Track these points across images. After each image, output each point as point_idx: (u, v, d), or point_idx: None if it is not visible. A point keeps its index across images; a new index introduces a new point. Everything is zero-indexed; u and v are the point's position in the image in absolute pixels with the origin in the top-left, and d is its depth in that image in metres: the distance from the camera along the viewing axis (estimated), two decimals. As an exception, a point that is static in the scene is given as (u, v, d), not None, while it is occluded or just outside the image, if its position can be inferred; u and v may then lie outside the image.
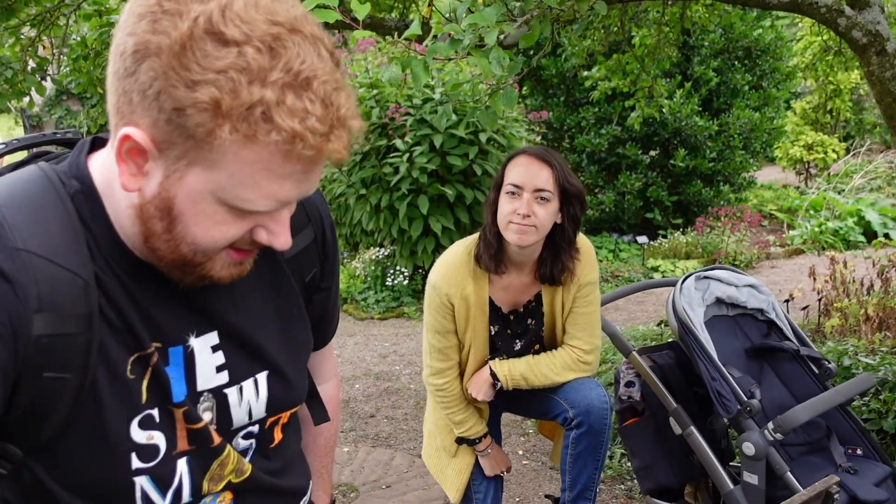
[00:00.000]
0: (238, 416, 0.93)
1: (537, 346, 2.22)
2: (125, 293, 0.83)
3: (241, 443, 0.95)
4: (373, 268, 6.84)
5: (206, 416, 0.90)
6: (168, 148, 0.73)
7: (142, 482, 0.85)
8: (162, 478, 0.86)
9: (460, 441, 2.19)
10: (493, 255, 2.02)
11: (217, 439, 0.90)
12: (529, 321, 2.17)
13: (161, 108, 0.71)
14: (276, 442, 0.99)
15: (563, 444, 2.20)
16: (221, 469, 0.91)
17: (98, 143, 0.87)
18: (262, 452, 0.97)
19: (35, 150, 0.97)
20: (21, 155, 1.00)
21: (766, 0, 2.77)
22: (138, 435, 0.84)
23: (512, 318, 2.16)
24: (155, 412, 0.85)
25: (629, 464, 2.94)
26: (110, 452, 0.82)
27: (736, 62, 8.92)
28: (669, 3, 4.32)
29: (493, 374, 2.11)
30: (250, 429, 0.95)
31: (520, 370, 2.11)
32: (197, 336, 0.88)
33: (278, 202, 0.76)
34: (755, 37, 8.89)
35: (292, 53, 0.71)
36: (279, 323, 0.97)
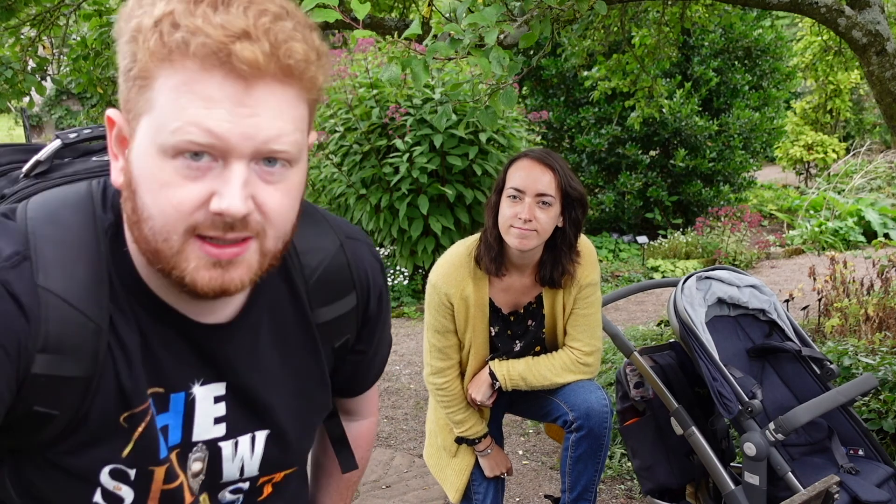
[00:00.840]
0: (229, 470, 0.90)
1: (538, 348, 2.21)
2: (139, 336, 0.80)
3: (228, 496, 0.92)
4: (373, 268, 6.83)
5: (196, 466, 0.87)
6: (128, 113, 0.73)
7: None
8: None
9: (460, 441, 2.19)
10: (494, 258, 2.02)
11: (189, 499, 0.87)
12: (530, 322, 2.17)
13: (124, 72, 0.72)
14: (265, 496, 0.96)
15: (562, 447, 2.20)
16: None
17: None
18: None
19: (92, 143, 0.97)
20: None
21: (766, 0, 2.77)
22: (107, 481, 0.82)
23: (512, 318, 2.16)
24: (131, 472, 0.83)
25: (629, 464, 2.94)
26: (77, 481, 0.82)
27: (736, 62, 8.92)
28: (669, 3, 4.32)
29: (491, 375, 2.11)
30: (240, 485, 0.92)
31: (518, 370, 2.11)
32: (202, 384, 0.86)
33: (209, 133, 0.68)
34: (755, 37, 8.89)
35: None
36: (296, 384, 0.93)
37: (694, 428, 2.21)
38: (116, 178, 0.77)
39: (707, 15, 4.81)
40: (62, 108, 11.61)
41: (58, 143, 0.94)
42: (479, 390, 2.12)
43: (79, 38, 2.96)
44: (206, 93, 0.68)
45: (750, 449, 2.02)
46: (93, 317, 0.76)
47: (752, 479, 2.03)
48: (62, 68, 3.03)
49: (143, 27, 0.69)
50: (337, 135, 6.29)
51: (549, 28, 1.92)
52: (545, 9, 1.87)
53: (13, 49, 2.73)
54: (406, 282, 6.58)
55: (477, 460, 2.21)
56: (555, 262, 2.05)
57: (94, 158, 0.95)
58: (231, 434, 0.89)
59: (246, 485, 0.93)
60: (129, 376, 0.80)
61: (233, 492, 0.92)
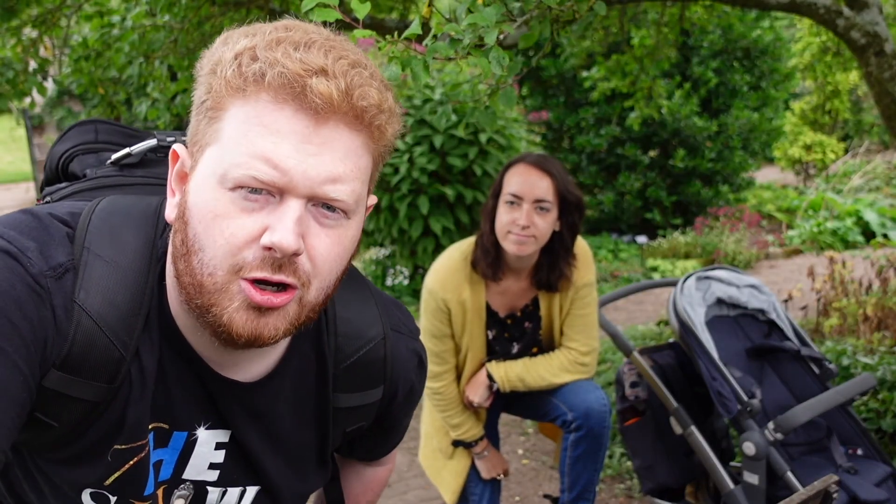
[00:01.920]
0: None
1: (535, 350, 2.21)
2: (157, 370, 0.79)
3: None
4: (373, 268, 6.84)
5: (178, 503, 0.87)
6: (195, 146, 0.74)
7: None
8: None
9: (457, 444, 2.19)
10: (491, 263, 2.02)
11: None
12: (526, 325, 2.17)
13: (196, 110, 0.73)
14: None
15: (562, 447, 2.20)
16: None
17: None
18: None
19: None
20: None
21: (765, 1, 2.78)
22: (88, 502, 0.82)
23: (509, 321, 2.16)
24: (113, 499, 0.82)
25: (629, 463, 2.95)
26: (60, 489, 0.82)
27: (735, 63, 8.93)
28: (668, 3, 4.33)
29: (489, 376, 2.11)
30: None
31: (516, 372, 2.11)
32: (208, 428, 0.84)
33: (276, 168, 0.68)
34: (754, 37, 8.89)
35: (301, 33, 0.71)
36: (297, 453, 0.92)
37: (693, 427, 2.22)
38: (170, 214, 0.76)
39: (706, 16, 4.82)
40: (63, 109, 11.60)
41: (153, 142, 0.94)
42: (477, 392, 2.12)
43: (80, 39, 2.97)
44: (275, 126, 0.68)
45: (749, 448, 2.03)
46: (120, 346, 0.75)
47: (752, 478, 2.04)
48: (63, 69, 3.04)
49: (224, 59, 0.70)
50: (337, 135, 6.29)
51: (548, 29, 1.92)
52: (545, 9, 1.88)
53: (14, 50, 2.74)
54: (406, 282, 6.58)
55: (473, 462, 2.21)
56: (552, 265, 2.06)
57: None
58: (222, 482, 0.88)
59: None
60: (135, 410, 0.79)
61: None
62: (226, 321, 0.72)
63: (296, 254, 0.70)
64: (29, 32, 2.91)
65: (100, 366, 0.74)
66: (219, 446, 0.85)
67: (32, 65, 2.90)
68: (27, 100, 2.89)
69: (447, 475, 2.23)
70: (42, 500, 0.83)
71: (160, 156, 0.95)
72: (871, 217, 8.48)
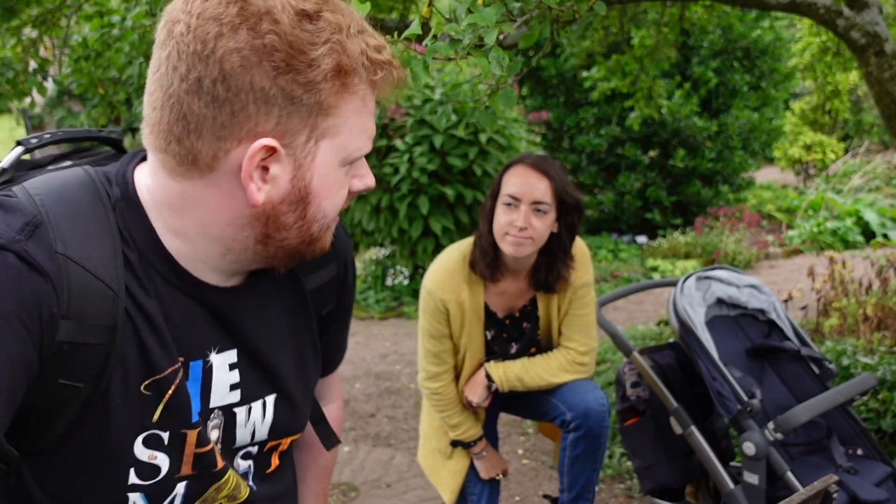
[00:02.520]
0: (242, 435, 0.92)
1: (534, 350, 2.21)
2: (158, 306, 0.82)
3: (241, 463, 0.94)
4: (373, 268, 6.84)
5: (214, 434, 0.89)
6: (293, 140, 0.78)
7: (135, 498, 0.84)
8: (157, 496, 0.85)
9: (455, 444, 2.18)
10: (490, 264, 2.02)
11: (220, 463, 0.89)
12: (525, 325, 2.17)
13: (283, 104, 0.75)
14: (273, 468, 0.98)
15: (560, 446, 2.20)
16: (217, 492, 0.90)
17: (145, 157, 0.86)
18: (259, 476, 0.97)
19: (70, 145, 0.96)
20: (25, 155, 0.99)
21: (765, 1, 2.78)
22: (141, 452, 0.82)
23: (507, 322, 2.16)
24: (165, 434, 0.83)
25: (629, 463, 2.95)
26: (110, 465, 0.81)
27: (735, 63, 8.93)
28: (668, 3, 4.33)
29: (488, 377, 2.11)
30: (249, 449, 0.94)
31: (515, 372, 2.11)
32: (218, 352, 0.88)
33: (372, 139, 0.85)
34: (754, 37, 8.90)
35: (339, 6, 0.79)
36: (295, 349, 0.97)
37: (693, 427, 2.22)
38: (257, 198, 0.79)
39: (706, 16, 4.82)
40: (63, 109, 11.60)
41: (19, 149, 0.91)
42: (475, 392, 2.12)
43: (80, 39, 2.97)
44: (371, 106, 0.83)
45: (749, 448, 2.03)
46: (111, 285, 0.77)
47: (752, 478, 2.04)
48: (63, 69, 3.03)
49: (321, 58, 0.77)
50: (337, 135, 6.29)
51: (548, 29, 1.92)
52: (545, 9, 1.88)
53: (14, 50, 2.73)
54: (406, 282, 6.59)
55: (472, 462, 2.21)
56: (550, 267, 2.05)
57: (48, 169, 0.92)
58: (245, 400, 0.91)
59: (255, 448, 0.95)
60: (155, 341, 0.81)
61: (244, 457, 0.94)
62: (319, 248, 0.87)
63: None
64: (29, 32, 2.91)
65: (99, 308, 0.76)
66: (232, 367, 0.89)
67: (32, 65, 2.90)
68: (27, 100, 2.89)
69: (446, 475, 2.23)
70: (89, 487, 0.82)
71: (22, 171, 0.92)
72: (871, 217, 8.48)
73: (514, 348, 2.18)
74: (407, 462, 3.29)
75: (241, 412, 0.91)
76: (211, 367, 0.87)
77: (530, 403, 2.24)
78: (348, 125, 0.80)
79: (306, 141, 0.79)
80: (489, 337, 2.14)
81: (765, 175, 12.58)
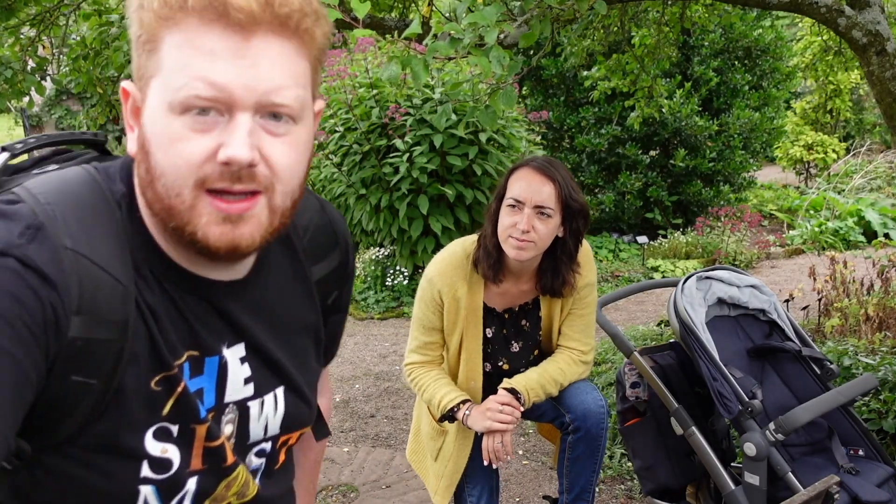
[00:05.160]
0: (255, 430, 0.92)
1: (536, 352, 2.20)
2: (166, 302, 0.82)
3: (254, 460, 0.94)
4: (373, 268, 6.84)
5: (227, 430, 0.89)
6: (140, 80, 0.76)
7: (147, 491, 0.84)
8: (168, 492, 0.85)
9: (443, 419, 2.09)
10: (492, 265, 2.01)
11: (231, 458, 0.89)
12: (524, 322, 2.16)
13: (134, 44, 0.75)
14: (280, 464, 0.99)
15: (560, 448, 2.19)
16: (226, 490, 0.90)
17: None
18: (267, 473, 0.97)
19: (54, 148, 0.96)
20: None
21: (766, 0, 2.77)
22: (153, 446, 0.82)
23: (507, 316, 2.15)
24: (174, 428, 0.83)
25: (629, 464, 2.94)
26: (122, 459, 0.81)
27: (736, 62, 8.92)
28: (669, 3, 4.32)
29: (512, 391, 2.02)
30: (263, 445, 0.94)
31: (534, 380, 2.05)
32: (228, 347, 0.88)
33: (213, 85, 0.71)
34: (755, 37, 8.89)
35: None
36: (299, 341, 0.96)
37: (694, 428, 2.21)
38: (132, 147, 0.79)
39: (707, 15, 4.81)
40: (62, 108, 11.60)
41: (5, 155, 0.91)
42: (504, 411, 1.98)
43: (78, 38, 2.96)
44: (207, 47, 0.71)
45: (750, 449, 2.02)
46: (121, 279, 0.77)
47: (753, 479, 2.03)
48: (62, 68, 3.03)
49: None
50: (337, 135, 6.29)
51: (548, 28, 1.92)
52: (545, 8, 1.87)
53: (13, 49, 2.73)
54: (406, 282, 6.58)
55: (470, 462, 2.15)
56: (555, 271, 2.04)
57: (34, 172, 0.91)
58: (258, 393, 0.91)
59: (268, 445, 0.95)
60: (164, 339, 0.81)
61: (258, 454, 0.94)
62: (201, 237, 0.76)
63: (251, 164, 0.74)
64: (27, 31, 2.90)
65: (110, 302, 0.76)
66: (242, 360, 0.89)
67: (31, 64, 2.89)
68: (25, 99, 2.89)
69: (432, 477, 2.22)
70: (101, 480, 0.82)
71: (6, 177, 0.91)
72: (872, 217, 8.47)
73: (515, 347, 2.17)
74: (407, 463, 3.28)
75: (254, 406, 0.91)
76: (226, 362, 0.87)
77: (530, 404, 2.23)
78: (168, 63, 0.73)
79: (145, 83, 0.76)
80: (489, 334, 2.13)
81: (766, 175, 12.58)
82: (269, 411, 0.93)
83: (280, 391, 0.94)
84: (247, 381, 0.90)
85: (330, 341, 1.09)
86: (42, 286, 0.72)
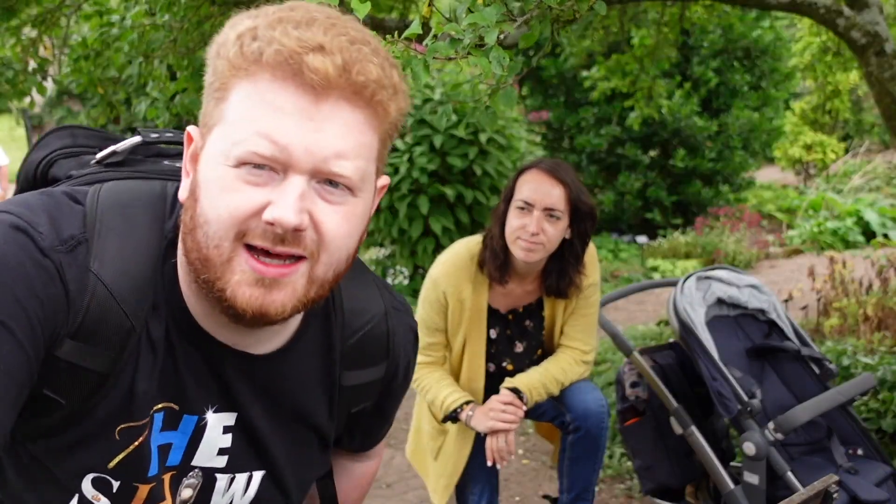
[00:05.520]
0: (217, 503, 0.88)
1: (540, 352, 2.21)
2: (165, 348, 0.79)
3: None
4: (373, 268, 6.84)
5: (185, 493, 0.85)
6: (204, 127, 0.75)
7: None
8: None
9: (445, 419, 2.08)
10: (499, 267, 2.01)
11: None
12: (527, 323, 2.17)
13: (206, 88, 0.74)
14: None
15: (560, 447, 2.19)
16: None
17: None
18: None
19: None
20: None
21: (766, 0, 2.78)
22: (87, 489, 0.81)
23: (510, 317, 2.15)
24: (115, 483, 0.81)
25: (629, 463, 2.95)
26: (57, 486, 0.80)
27: (735, 62, 8.93)
28: (669, 3, 4.32)
29: (514, 390, 2.02)
30: None
31: (536, 380, 2.06)
32: (216, 412, 0.84)
33: (274, 143, 0.68)
34: (754, 37, 8.90)
35: (301, 14, 0.71)
36: (302, 431, 0.91)
37: (693, 427, 2.22)
38: (183, 193, 0.77)
39: (706, 15, 4.82)
40: (63, 109, 11.61)
41: (137, 139, 0.93)
42: (507, 411, 1.98)
43: (79, 39, 2.96)
44: (276, 103, 0.69)
45: (749, 448, 2.03)
46: (131, 316, 0.76)
47: (752, 478, 2.04)
48: (63, 69, 3.03)
49: (227, 41, 0.71)
50: (337, 135, 6.29)
51: (548, 28, 1.92)
52: (545, 9, 1.87)
53: (14, 49, 2.74)
54: (406, 282, 6.58)
55: (469, 460, 2.16)
56: (561, 272, 2.05)
57: (165, 161, 0.94)
58: (230, 469, 0.87)
59: None
60: (143, 386, 0.78)
61: None
62: (229, 295, 0.72)
63: (297, 229, 0.70)
64: (28, 32, 2.90)
65: (111, 335, 0.75)
66: (226, 430, 0.85)
67: (32, 64, 2.90)
68: (27, 99, 2.89)
69: (432, 476, 2.22)
70: (35, 496, 0.82)
71: (141, 155, 0.94)
72: (871, 217, 8.47)
73: (519, 348, 2.18)
74: (407, 462, 3.28)
75: (222, 479, 0.87)
76: (205, 424, 0.83)
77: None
78: (234, 112, 0.71)
79: (208, 130, 0.74)
80: (493, 336, 2.13)
81: (765, 175, 12.58)
82: (237, 490, 0.88)
83: (258, 475, 0.89)
84: (222, 451, 0.85)
85: (364, 437, 1.03)
86: (61, 298, 0.72)
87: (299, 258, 0.73)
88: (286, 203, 0.69)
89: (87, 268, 0.74)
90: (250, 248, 0.72)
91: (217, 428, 0.85)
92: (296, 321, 0.85)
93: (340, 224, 0.73)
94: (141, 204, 0.81)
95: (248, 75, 0.70)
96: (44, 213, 0.75)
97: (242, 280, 0.72)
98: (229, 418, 0.85)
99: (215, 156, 0.72)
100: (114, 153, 0.91)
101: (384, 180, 0.82)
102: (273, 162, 0.69)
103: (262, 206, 0.70)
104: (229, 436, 0.86)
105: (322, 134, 0.69)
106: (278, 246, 0.71)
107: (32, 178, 0.97)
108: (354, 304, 0.91)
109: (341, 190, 0.73)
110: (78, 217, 0.76)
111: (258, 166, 0.70)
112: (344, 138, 0.71)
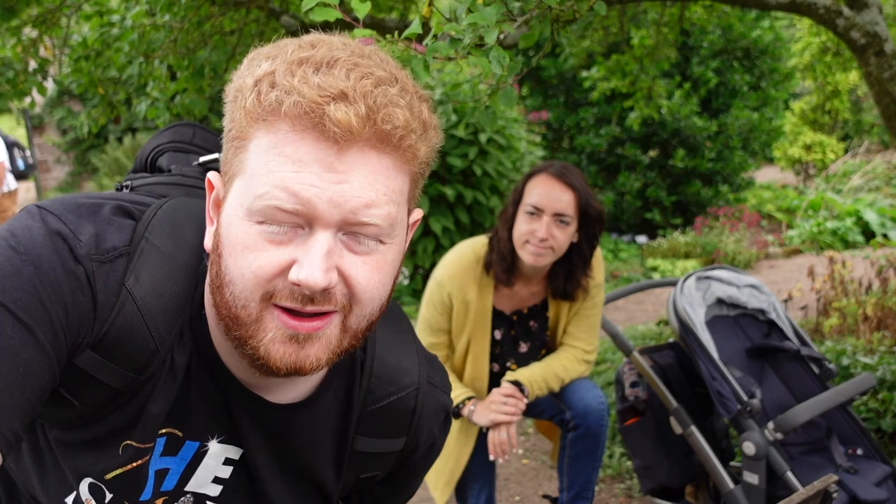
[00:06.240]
0: None
1: (544, 351, 2.21)
2: (185, 375, 0.78)
3: None
4: (372, 268, 6.83)
5: None
6: (225, 175, 0.73)
7: None
8: None
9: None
10: (506, 270, 2.01)
11: None
12: (532, 323, 2.17)
13: (225, 136, 0.72)
14: None
15: (560, 445, 2.20)
16: None
17: None
18: None
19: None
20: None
21: (765, 0, 2.78)
22: (84, 491, 0.80)
23: (515, 318, 2.16)
24: (109, 495, 0.81)
25: (629, 463, 2.95)
26: (62, 478, 0.81)
27: (735, 63, 8.93)
28: (668, 3, 4.32)
29: (516, 383, 2.03)
30: None
31: (538, 375, 2.06)
32: (220, 441, 0.82)
33: (295, 197, 0.65)
34: (754, 37, 8.90)
35: (325, 51, 0.68)
36: (304, 488, 0.89)
37: (693, 427, 2.22)
38: (208, 243, 0.75)
39: (706, 16, 4.82)
40: (64, 109, 11.60)
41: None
42: (508, 403, 1.98)
43: (80, 39, 2.97)
44: (296, 155, 0.66)
45: (749, 448, 2.03)
46: (157, 338, 0.74)
47: (752, 478, 2.04)
48: (63, 69, 3.03)
49: (244, 87, 0.68)
50: (337, 135, 6.29)
51: (548, 28, 1.92)
52: (545, 9, 1.87)
53: (15, 49, 2.74)
54: (406, 282, 6.58)
55: (470, 460, 2.17)
56: (568, 275, 2.05)
57: None
58: (223, 500, 0.85)
59: None
60: (156, 408, 0.78)
61: None
62: (263, 353, 0.70)
63: (325, 289, 0.68)
64: (29, 32, 2.90)
65: (133, 355, 0.73)
66: (228, 462, 0.84)
67: (32, 65, 2.90)
68: (27, 100, 2.89)
69: (433, 473, 2.23)
70: (40, 480, 0.82)
71: None
72: (870, 217, 8.48)
73: (523, 348, 2.18)
74: (407, 462, 3.29)
75: None
76: (205, 451, 0.82)
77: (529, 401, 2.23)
78: (253, 164, 0.68)
79: (229, 180, 0.71)
80: (498, 337, 2.14)
81: (765, 175, 12.59)
82: None
83: None
84: (217, 480, 0.84)
85: (375, 501, 0.99)
86: (87, 308, 0.71)
87: (330, 312, 0.71)
88: (312, 263, 0.67)
89: (122, 281, 0.73)
90: (279, 306, 0.70)
91: (218, 457, 0.83)
92: (320, 374, 0.83)
93: (371, 275, 0.71)
94: (195, 223, 0.80)
95: (267, 125, 0.67)
96: (90, 222, 0.74)
97: (276, 337, 0.70)
98: (234, 452, 0.84)
99: (237, 210, 0.69)
100: (216, 160, 0.91)
101: (417, 214, 0.79)
102: (296, 216, 0.67)
103: (287, 265, 0.68)
104: (230, 469, 0.84)
105: (347, 185, 0.66)
106: (308, 306, 0.69)
107: (143, 161, 0.98)
108: (385, 371, 0.88)
109: (371, 239, 0.70)
110: (126, 230, 0.75)
111: (281, 223, 0.68)
112: (371, 187, 0.68)
